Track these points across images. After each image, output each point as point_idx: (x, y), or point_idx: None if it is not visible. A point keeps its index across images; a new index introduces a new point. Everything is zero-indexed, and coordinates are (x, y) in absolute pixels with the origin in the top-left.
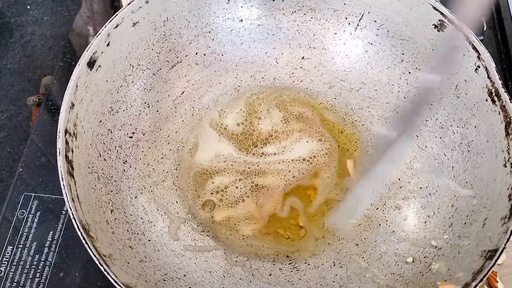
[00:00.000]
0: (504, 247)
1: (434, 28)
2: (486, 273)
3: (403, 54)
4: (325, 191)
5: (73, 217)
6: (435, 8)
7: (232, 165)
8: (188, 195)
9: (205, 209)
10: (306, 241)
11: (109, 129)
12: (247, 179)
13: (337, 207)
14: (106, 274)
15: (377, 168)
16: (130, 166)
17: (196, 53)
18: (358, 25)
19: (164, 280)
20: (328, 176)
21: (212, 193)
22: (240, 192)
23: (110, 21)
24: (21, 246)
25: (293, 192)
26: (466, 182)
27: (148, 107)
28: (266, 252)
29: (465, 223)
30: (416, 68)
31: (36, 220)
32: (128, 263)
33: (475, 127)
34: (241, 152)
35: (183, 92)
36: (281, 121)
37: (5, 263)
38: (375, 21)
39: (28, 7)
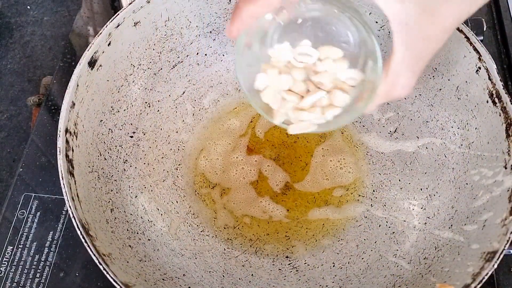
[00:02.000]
0: (504, 249)
1: None
2: (486, 275)
3: None
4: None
5: (73, 216)
6: None
7: (233, 165)
8: (188, 194)
9: (205, 208)
10: (306, 241)
11: (109, 129)
12: (248, 177)
13: None
14: (105, 273)
15: None
16: (131, 166)
17: (197, 53)
18: None
19: (163, 279)
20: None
21: (212, 193)
22: (240, 191)
23: (111, 20)
24: (21, 246)
25: (292, 193)
26: (466, 184)
27: (149, 106)
28: (266, 252)
29: (465, 224)
30: None
31: (36, 220)
32: (128, 262)
33: (476, 128)
34: (242, 151)
35: (184, 92)
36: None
37: (5, 263)
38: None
39: (28, 7)
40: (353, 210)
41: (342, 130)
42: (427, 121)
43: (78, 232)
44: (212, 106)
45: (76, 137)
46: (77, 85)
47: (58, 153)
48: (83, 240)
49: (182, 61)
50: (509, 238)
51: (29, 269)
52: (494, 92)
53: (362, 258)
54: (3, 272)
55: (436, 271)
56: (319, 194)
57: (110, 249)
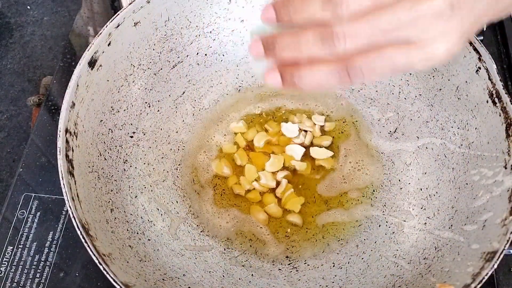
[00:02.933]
0: (504, 249)
1: None
2: (486, 275)
3: None
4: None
5: (73, 216)
6: None
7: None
8: (188, 194)
9: (205, 208)
10: (306, 241)
11: (109, 129)
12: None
13: None
14: (105, 273)
15: None
16: (131, 166)
17: (197, 53)
18: None
19: (163, 279)
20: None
21: (212, 193)
22: (241, 191)
23: (111, 20)
24: (21, 246)
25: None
26: (466, 184)
27: (149, 106)
28: (266, 252)
29: (465, 224)
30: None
31: (36, 220)
32: (128, 262)
33: (476, 128)
34: (242, 151)
35: (184, 92)
36: (282, 121)
37: (5, 263)
38: None
39: (28, 7)
40: (354, 211)
41: (342, 130)
42: (427, 121)
43: (78, 232)
44: (212, 106)
45: (76, 137)
46: (77, 85)
47: (58, 153)
48: (83, 240)
49: (182, 61)
50: (509, 238)
51: (29, 269)
52: (494, 92)
53: (362, 258)
54: (3, 272)
55: (436, 271)
56: (319, 195)
57: (110, 249)
